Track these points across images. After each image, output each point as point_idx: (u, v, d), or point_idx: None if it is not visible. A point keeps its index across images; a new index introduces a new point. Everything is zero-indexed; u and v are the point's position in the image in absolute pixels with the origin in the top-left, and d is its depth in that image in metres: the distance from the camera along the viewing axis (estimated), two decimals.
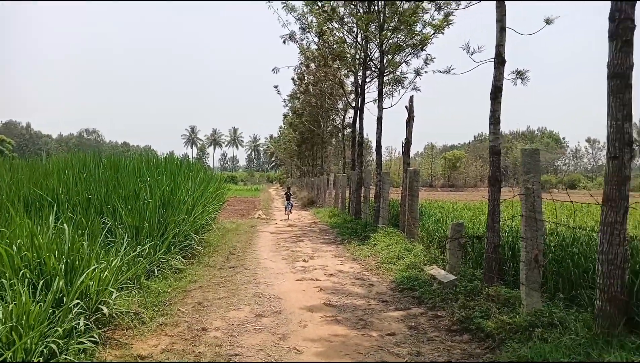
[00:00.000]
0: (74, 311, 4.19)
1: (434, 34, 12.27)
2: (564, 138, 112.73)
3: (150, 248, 7.17)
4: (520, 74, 6.85)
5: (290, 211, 20.49)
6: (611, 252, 4.10)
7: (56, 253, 4.77)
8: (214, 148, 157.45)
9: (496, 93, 6.28)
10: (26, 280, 4.41)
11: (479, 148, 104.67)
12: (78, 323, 4.21)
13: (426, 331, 5.35)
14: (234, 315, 5.81)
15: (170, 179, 10.42)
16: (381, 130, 13.27)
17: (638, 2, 4.05)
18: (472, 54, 6.61)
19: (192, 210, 10.08)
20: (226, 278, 7.86)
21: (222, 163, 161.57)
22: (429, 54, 13.61)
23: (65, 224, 5.40)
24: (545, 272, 6.10)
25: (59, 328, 3.82)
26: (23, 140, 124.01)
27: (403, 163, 11.37)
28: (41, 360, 3.58)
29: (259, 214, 20.72)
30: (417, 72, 13.38)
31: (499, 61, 6.27)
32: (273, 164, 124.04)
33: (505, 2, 6.39)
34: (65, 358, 3.72)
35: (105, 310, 4.61)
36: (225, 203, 19.11)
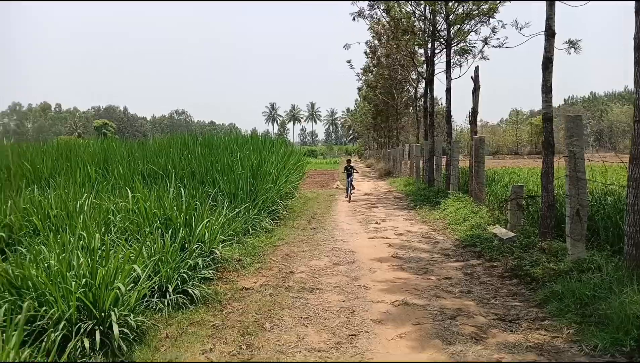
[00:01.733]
0: (195, 253, 5.56)
1: (499, 3, 12.39)
2: None
3: (244, 211, 8.55)
4: (572, 44, 7.20)
5: (351, 192, 15.92)
6: (637, 204, 4.68)
7: (177, 211, 6.18)
8: (294, 124, 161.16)
9: (547, 64, 6.75)
10: (159, 230, 5.85)
11: (569, 111, 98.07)
12: (198, 262, 5.58)
13: (480, 276, 6.18)
14: (315, 263, 6.99)
15: (256, 153, 11.82)
16: (450, 100, 13.73)
17: None
18: (520, 29, 7.05)
19: (276, 180, 11.42)
20: (308, 237, 9.09)
21: (301, 137, 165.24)
22: (501, 20, 13.72)
23: (181, 191, 6.85)
24: (597, 227, 6.63)
25: (189, 261, 5.19)
26: (122, 123, 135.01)
27: (470, 132, 11.85)
28: (172, 287, 4.94)
29: (337, 185, 21.91)
30: (485, 41, 13.58)
31: (549, 33, 6.71)
32: (351, 137, 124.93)
33: None
34: (193, 284, 5.06)
35: (218, 252, 5.98)
36: (306, 174, 20.54)
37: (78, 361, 3.43)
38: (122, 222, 6.11)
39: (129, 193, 6.70)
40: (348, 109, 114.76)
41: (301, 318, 4.65)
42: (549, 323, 4.32)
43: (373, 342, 4.04)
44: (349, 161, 17.77)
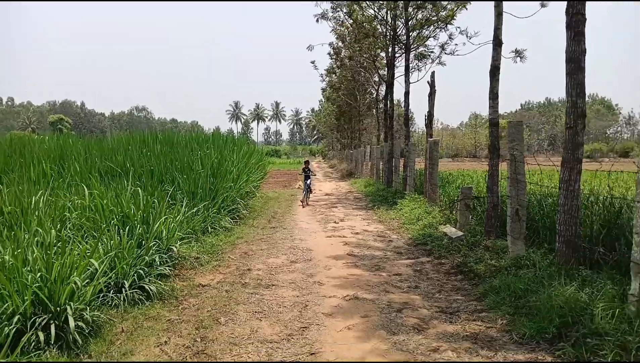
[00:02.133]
0: (152, 250, 5.65)
1: (457, 9, 12.93)
2: (616, 105, 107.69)
3: (204, 209, 8.63)
4: (518, 53, 7.68)
5: (308, 195, 15.07)
6: (567, 204, 5.11)
7: (135, 208, 6.24)
8: (258, 123, 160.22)
9: (494, 72, 7.19)
10: (116, 227, 5.90)
11: (525, 116, 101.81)
12: (154, 259, 5.67)
13: (428, 273, 6.53)
14: (273, 261, 7.18)
15: (217, 152, 11.89)
16: (408, 103, 14.19)
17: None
18: (470, 38, 7.46)
19: (237, 179, 11.53)
20: (267, 236, 9.26)
21: (265, 137, 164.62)
22: (459, 27, 14.29)
23: (139, 189, 6.89)
24: (538, 226, 7.11)
25: (146, 258, 5.28)
26: (78, 118, 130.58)
27: (426, 135, 12.31)
28: (128, 283, 5.03)
29: (299, 185, 22.11)
30: (442, 47, 14.12)
31: (496, 43, 7.15)
32: (315, 137, 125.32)
33: None
34: (149, 280, 5.16)
35: (175, 249, 6.09)
36: (269, 174, 20.65)
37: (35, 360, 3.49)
38: (78, 219, 6.11)
39: (86, 190, 6.69)
40: (313, 110, 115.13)
41: (256, 312, 4.83)
42: (485, 315, 4.68)
43: (322, 333, 4.27)
44: (307, 162, 16.31)
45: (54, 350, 3.65)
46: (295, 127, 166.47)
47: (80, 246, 4.65)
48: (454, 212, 9.04)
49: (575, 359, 3.59)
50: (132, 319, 4.52)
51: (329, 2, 16.67)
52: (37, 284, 3.85)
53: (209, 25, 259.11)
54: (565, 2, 4.95)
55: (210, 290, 5.63)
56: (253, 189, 14.06)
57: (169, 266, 5.89)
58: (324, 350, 3.89)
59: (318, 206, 14.57)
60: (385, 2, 15.05)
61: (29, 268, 4.01)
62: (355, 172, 30.10)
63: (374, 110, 31.89)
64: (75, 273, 4.02)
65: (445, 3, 14.11)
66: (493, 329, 4.29)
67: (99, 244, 5.00)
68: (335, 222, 11.08)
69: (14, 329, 3.51)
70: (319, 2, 17.56)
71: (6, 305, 3.65)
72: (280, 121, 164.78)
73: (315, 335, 4.22)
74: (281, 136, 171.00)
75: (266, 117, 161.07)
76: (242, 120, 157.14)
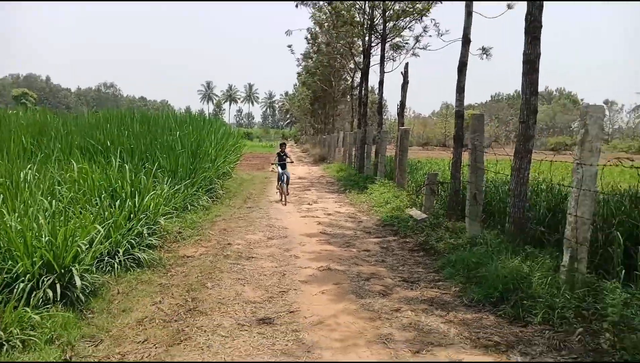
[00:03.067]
0: (141, 222, 6.07)
1: (432, 3, 13.54)
2: (582, 100, 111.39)
3: (184, 188, 9.03)
4: (485, 50, 8.33)
5: (286, 189, 12.00)
6: (517, 189, 5.80)
7: (125, 183, 6.63)
8: (230, 104, 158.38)
9: (462, 67, 7.82)
10: (106, 201, 6.29)
11: (494, 107, 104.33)
12: (143, 231, 6.10)
13: (393, 249, 7.18)
14: (251, 237, 7.69)
15: (196, 133, 12.22)
16: (382, 92, 14.79)
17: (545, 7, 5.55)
18: (441, 35, 8.05)
19: (215, 160, 11.91)
20: (244, 214, 9.75)
21: (237, 118, 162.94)
22: (434, 19, 14.92)
23: (125, 165, 7.25)
24: (495, 210, 7.84)
25: (137, 228, 5.72)
26: (43, 93, 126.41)
27: (398, 123, 12.94)
28: (122, 251, 5.47)
29: (272, 168, 22.50)
30: (417, 39, 14.74)
31: (465, 40, 7.77)
32: (288, 121, 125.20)
33: None
34: (140, 249, 5.61)
35: (162, 222, 6.52)
36: (242, 156, 20.95)
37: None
38: (68, 192, 6.45)
39: (74, 164, 7.01)
40: (287, 93, 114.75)
41: (239, 279, 5.36)
42: (441, 283, 5.34)
43: (300, 296, 4.84)
44: (282, 145, 13.06)
45: (60, 306, 4.09)
46: (268, 110, 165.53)
47: (79, 216, 5.05)
48: (420, 196, 9.72)
49: (513, 317, 4.27)
50: (127, 283, 4.98)
51: None
52: (43, 248, 4.26)
53: (182, 1, 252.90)
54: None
55: (194, 260, 6.11)
56: (229, 170, 14.44)
57: (156, 237, 6.34)
58: (301, 309, 4.46)
59: (292, 188, 15.02)
60: None
61: (35, 234, 4.40)
62: (328, 157, 30.68)
63: (349, 96, 32.44)
64: (79, 237, 4.44)
65: None
66: (447, 295, 4.95)
67: (97, 214, 5.40)
68: (309, 204, 11.64)
69: (29, 285, 3.94)
70: None
71: (18, 265, 4.05)
72: (253, 104, 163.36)
73: (293, 298, 4.78)
74: (253, 118, 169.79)
75: (239, 98, 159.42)
76: (214, 101, 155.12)
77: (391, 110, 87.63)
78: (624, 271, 4.40)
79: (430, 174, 9.23)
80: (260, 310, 4.42)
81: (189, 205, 9.18)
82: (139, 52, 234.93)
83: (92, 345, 3.59)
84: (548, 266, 4.91)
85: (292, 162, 12.88)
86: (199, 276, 5.38)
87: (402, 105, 12.62)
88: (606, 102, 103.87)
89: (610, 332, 3.57)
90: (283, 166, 12.08)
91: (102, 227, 5.12)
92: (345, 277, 5.56)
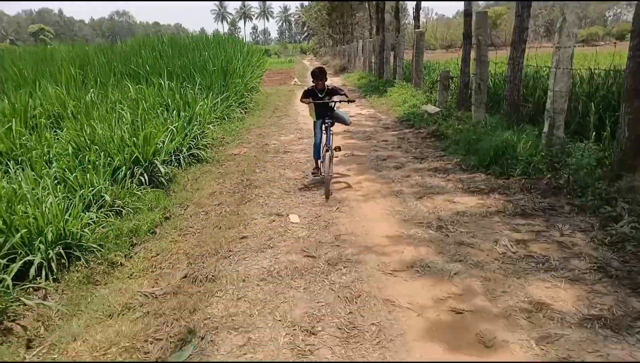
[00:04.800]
0: (195, 128, 7.31)
1: None
2: None
3: (220, 101, 10.16)
4: None
5: (330, 165, 5.32)
6: (512, 75, 6.68)
7: (175, 98, 7.80)
8: (245, 22, 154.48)
9: None
10: (163, 114, 7.50)
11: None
12: (197, 135, 7.34)
13: (408, 138, 8.27)
14: (284, 138, 8.88)
15: (223, 52, 13.11)
16: None
17: None
18: None
19: (243, 75, 12.89)
20: (275, 122, 10.89)
21: (253, 36, 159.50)
22: None
23: (172, 83, 8.38)
24: (500, 99, 8.72)
25: (195, 130, 6.97)
26: (58, 27, 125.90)
27: (414, 27, 13.42)
28: (185, 150, 6.73)
29: (295, 81, 23.29)
30: None
31: None
32: (305, 34, 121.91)
33: None
34: (198, 148, 6.88)
35: (211, 128, 7.74)
36: (265, 72, 21.74)
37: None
38: (129, 109, 7.68)
39: (131, 87, 8.18)
40: (302, 5, 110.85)
41: (280, 166, 6.62)
42: (446, 157, 6.48)
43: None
44: (319, 73, 5.66)
45: (149, 188, 5.43)
46: (284, 25, 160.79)
47: (150, 123, 6.29)
48: (434, 93, 10.59)
49: (499, 174, 5.40)
50: (193, 173, 6.30)
51: None
52: (129, 147, 5.54)
53: None
54: None
55: (241, 156, 7.38)
56: (256, 84, 15.42)
57: (207, 140, 7.59)
58: (332, 178, 5.71)
59: None
60: None
61: (119, 138, 5.68)
62: (349, 67, 30.95)
63: (367, 3, 31.85)
64: (157, 138, 5.70)
65: None
66: (449, 164, 6.10)
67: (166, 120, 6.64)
68: None
69: (128, 173, 5.26)
70: None
71: (117, 159, 5.36)
72: (268, 19, 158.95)
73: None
74: (269, 35, 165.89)
75: (253, 15, 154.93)
76: (229, 20, 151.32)
77: (410, 14, 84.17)
78: (594, 133, 5.41)
79: (443, 71, 10.03)
80: (299, 183, 5.69)
81: (225, 117, 10.36)
82: None
83: (182, 209, 4.94)
84: (533, 135, 5.94)
85: (348, 99, 5.74)
86: (248, 165, 6.66)
87: (417, 8, 13.02)
88: None
89: (567, 173, 4.68)
90: (324, 113, 5.79)
91: (178, 124, 6.36)
92: (366, 159, 6.75)
